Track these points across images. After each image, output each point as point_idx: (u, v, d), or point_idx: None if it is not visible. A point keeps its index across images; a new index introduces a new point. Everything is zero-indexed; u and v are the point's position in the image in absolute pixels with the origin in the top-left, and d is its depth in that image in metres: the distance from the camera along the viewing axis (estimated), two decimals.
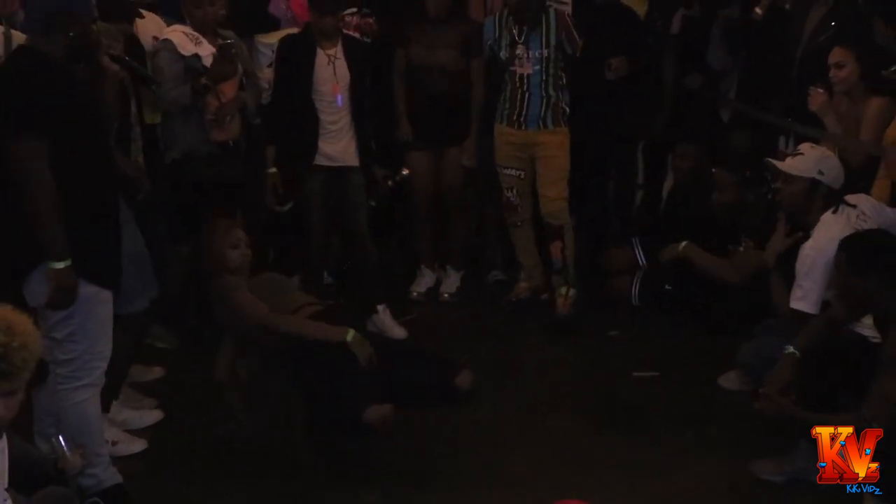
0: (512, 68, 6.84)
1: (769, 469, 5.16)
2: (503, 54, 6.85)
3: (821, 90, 6.32)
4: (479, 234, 7.83)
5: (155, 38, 6.39)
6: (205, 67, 6.35)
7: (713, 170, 7.13)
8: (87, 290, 4.64)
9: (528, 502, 4.96)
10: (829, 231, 5.34)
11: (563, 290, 6.95)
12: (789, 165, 5.64)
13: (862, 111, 6.22)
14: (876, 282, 4.75)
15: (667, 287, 7.19)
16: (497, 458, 5.42)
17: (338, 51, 6.70)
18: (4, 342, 3.48)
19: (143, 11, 6.62)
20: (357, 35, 7.00)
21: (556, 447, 5.53)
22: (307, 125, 6.70)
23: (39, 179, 4.57)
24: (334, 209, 6.86)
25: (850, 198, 5.53)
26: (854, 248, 4.88)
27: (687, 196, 7.35)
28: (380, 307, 6.78)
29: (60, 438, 4.23)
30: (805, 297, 5.28)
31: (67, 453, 4.13)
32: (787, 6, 7.09)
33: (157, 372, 6.30)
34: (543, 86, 6.83)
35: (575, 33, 6.84)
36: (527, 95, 6.85)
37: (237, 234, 5.74)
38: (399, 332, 6.79)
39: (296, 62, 6.71)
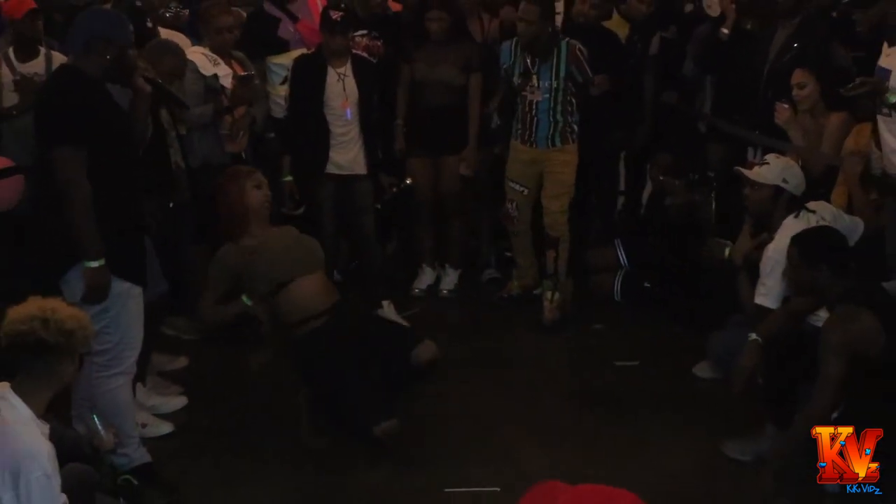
0: (523, 94, 6.79)
1: (738, 449, 5.19)
2: (516, 80, 6.81)
3: (786, 106, 6.32)
4: (474, 236, 7.81)
5: None
6: (222, 86, 6.44)
7: (661, 178, 7.15)
8: (120, 286, 4.69)
9: (516, 475, 4.94)
10: (790, 234, 5.39)
11: (550, 294, 6.90)
12: (756, 173, 5.71)
13: (823, 125, 6.24)
14: (826, 274, 4.76)
15: (646, 285, 7.23)
16: (488, 436, 5.43)
17: (347, 69, 6.72)
18: (45, 317, 3.58)
19: (173, 32, 6.73)
20: (365, 55, 7.00)
21: (541, 428, 5.56)
22: (319, 137, 6.74)
23: (77, 186, 4.61)
24: (343, 213, 6.91)
25: (810, 204, 5.55)
26: (806, 242, 4.89)
27: (663, 202, 7.31)
28: (385, 302, 6.79)
29: (95, 418, 4.27)
30: (768, 294, 5.34)
31: (102, 432, 4.16)
32: (749, 26, 7.04)
33: (182, 361, 6.32)
34: (551, 112, 6.77)
35: (586, 66, 6.78)
36: (535, 119, 6.80)
37: (258, 176, 5.73)
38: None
39: (309, 80, 6.74)
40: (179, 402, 5.89)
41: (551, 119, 6.79)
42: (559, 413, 5.75)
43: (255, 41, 7.13)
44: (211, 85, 6.39)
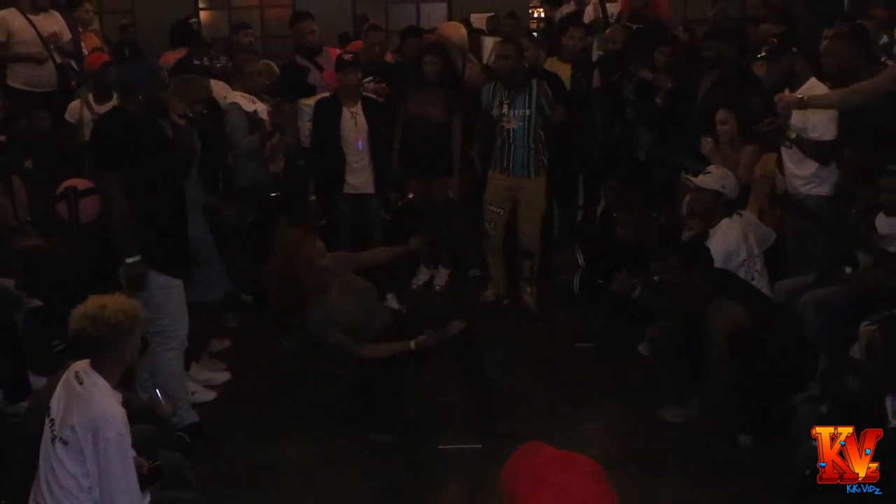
0: (501, 124, 6.74)
1: (672, 413, 5.26)
2: (494, 112, 6.75)
3: (709, 139, 6.39)
4: (461, 242, 7.80)
5: (224, 97, 6.50)
6: (261, 119, 6.55)
7: (614, 214, 7.05)
8: (161, 279, 4.81)
9: (493, 436, 4.99)
10: (726, 232, 5.50)
11: (529, 289, 6.97)
12: (701, 180, 5.74)
13: (739, 155, 6.29)
14: (697, 277, 5.01)
15: (599, 281, 7.20)
16: (461, 405, 5.43)
17: (358, 108, 6.77)
18: (95, 315, 3.62)
19: (217, 81, 6.78)
20: (373, 96, 7.03)
21: (514, 397, 5.58)
22: (337, 164, 6.78)
23: (117, 203, 4.75)
24: (357, 224, 6.97)
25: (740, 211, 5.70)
26: (687, 254, 5.19)
27: (613, 216, 7.26)
28: (389, 295, 6.82)
29: (158, 391, 4.31)
30: None
31: (163, 402, 4.21)
32: (670, 85, 7.01)
33: (227, 343, 6.36)
34: (525, 138, 6.72)
35: (552, 101, 6.77)
36: (512, 147, 6.73)
37: (319, 245, 5.35)
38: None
39: (327, 118, 6.78)
40: (224, 376, 5.97)
41: (525, 145, 6.74)
42: (528, 385, 5.76)
43: (289, 86, 7.28)
44: (253, 119, 6.50)
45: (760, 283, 5.60)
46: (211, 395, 5.70)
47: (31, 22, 8.17)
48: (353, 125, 6.75)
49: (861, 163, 5.61)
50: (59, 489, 3.57)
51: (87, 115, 7.14)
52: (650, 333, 5.72)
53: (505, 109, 6.72)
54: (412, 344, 5.11)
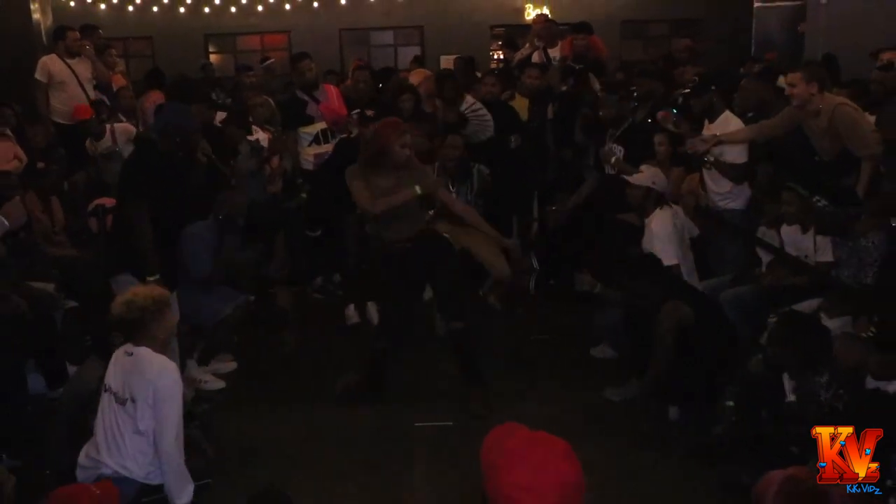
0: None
1: (613, 393, 5.27)
2: None
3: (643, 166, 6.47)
4: None
5: None
6: (262, 147, 6.54)
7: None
8: None
9: (465, 416, 4.97)
10: (661, 216, 5.60)
11: (493, 296, 6.90)
12: (634, 178, 5.77)
13: (668, 175, 6.26)
14: (645, 283, 5.00)
15: (550, 282, 7.31)
16: (444, 388, 5.41)
17: None
18: (128, 300, 3.73)
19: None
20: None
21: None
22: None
23: (140, 227, 4.75)
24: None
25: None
26: (639, 263, 5.19)
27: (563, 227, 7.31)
28: (369, 303, 6.62)
29: None
30: (665, 255, 5.40)
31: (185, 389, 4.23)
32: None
33: (233, 365, 6.04)
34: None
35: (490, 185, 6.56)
36: None
37: (407, 139, 5.02)
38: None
39: (348, 156, 6.12)
40: (231, 366, 5.94)
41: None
42: (492, 371, 5.58)
43: (290, 117, 7.26)
44: (255, 147, 6.51)
45: (692, 280, 5.64)
46: (220, 384, 5.66)
47: (68, 65, 8.49)
48: None
49: (771, 181, 5.72)
50: (125, 445, 3.65)
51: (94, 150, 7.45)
52: (603, 320, 5.70)
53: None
54: (417, 189, 4.95)
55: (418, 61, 12.26)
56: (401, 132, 5.00)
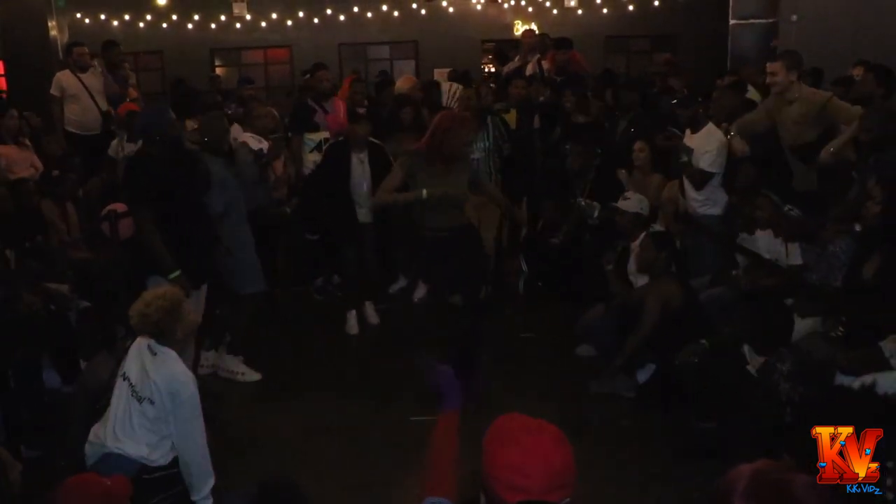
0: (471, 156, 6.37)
1: (598, 385, 5.25)
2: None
3: (623, 171, 6.49)
4: None
5: (235, 138, 6.41)
6: (265, 155, 6.52)
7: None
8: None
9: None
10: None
11: (484, 290, 6.90)
12: (623, 204, 5.78)
13: (649, 181, 6.38)
14: (665, 255, 5.04)
15: (539, 283, 7.27)
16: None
17: (365, 155, 6.31)
18: (149, 301, 3.71)
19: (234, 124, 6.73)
20: (379, 142, 6.53)
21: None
22: (346, 199, 6.38)
23: (146, 231, 4.72)
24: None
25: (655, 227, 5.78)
26: (657, 237, 5.21)
27: (551, 231, 7.27)
28: (367, 303, 6.66)
29: None
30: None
31: None
32: (582, 118, 7.12)
33: (257, 376, 5.83)
34: (485, 165, 6.70)
35: (504, 137, 6.82)
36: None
37: (468, 130, 5.07)
38: (375, 319, 6.65)
39: (338, 160, 6.36)
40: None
41: (487, 169, 6.67)
42: (484, 367, 5.50)
43: (298, 122, 7.22)
44: (259, 155, 6.47)
45: None
46: (256, 376, 5.60)
47: (79, 79, 8.55)
48: (361, 170, 6.33)
49: (752, 184, 5.71)
50: (133, 431, 3.64)
51: (120, 152, 7.23)
52: (583, 321, 5.74)
53: (471, 147, 6.56)
54: (423, 194, 4.97)
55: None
56: (466, 125, 5.02)
